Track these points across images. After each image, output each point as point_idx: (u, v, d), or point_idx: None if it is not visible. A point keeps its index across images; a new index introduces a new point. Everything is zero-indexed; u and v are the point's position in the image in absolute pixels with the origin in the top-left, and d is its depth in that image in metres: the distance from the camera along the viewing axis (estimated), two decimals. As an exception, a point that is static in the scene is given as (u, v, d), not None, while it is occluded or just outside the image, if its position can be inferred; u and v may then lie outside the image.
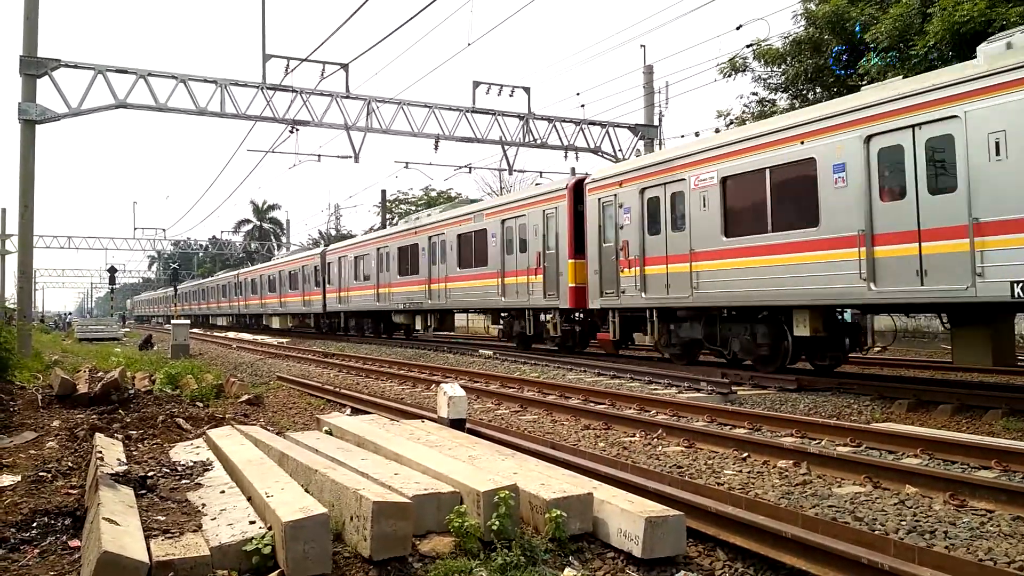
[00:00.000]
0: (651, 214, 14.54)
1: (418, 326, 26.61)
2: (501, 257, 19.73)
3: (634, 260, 14.90)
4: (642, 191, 14.72)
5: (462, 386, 8.87)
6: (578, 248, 16.90)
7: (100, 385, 10.41)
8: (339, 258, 33.25)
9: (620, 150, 26.73)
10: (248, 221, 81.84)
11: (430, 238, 24.13)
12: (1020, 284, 8.78)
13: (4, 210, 41.56)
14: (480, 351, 21.53)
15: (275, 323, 44.63)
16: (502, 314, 21.71)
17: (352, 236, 51.60)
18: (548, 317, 18.79)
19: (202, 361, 20.08)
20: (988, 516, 5.21)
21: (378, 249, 28.85)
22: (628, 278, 15.11)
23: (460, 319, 37.08)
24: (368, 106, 23.53)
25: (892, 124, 10.13)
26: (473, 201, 25.33)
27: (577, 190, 17.17)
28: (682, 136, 26.31)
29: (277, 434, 7.51)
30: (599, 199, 16.11)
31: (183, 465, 6.07)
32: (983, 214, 9.11)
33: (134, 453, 6.80)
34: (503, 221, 19.70)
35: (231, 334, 43.82)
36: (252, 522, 4.30)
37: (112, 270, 51.39)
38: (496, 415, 10.44)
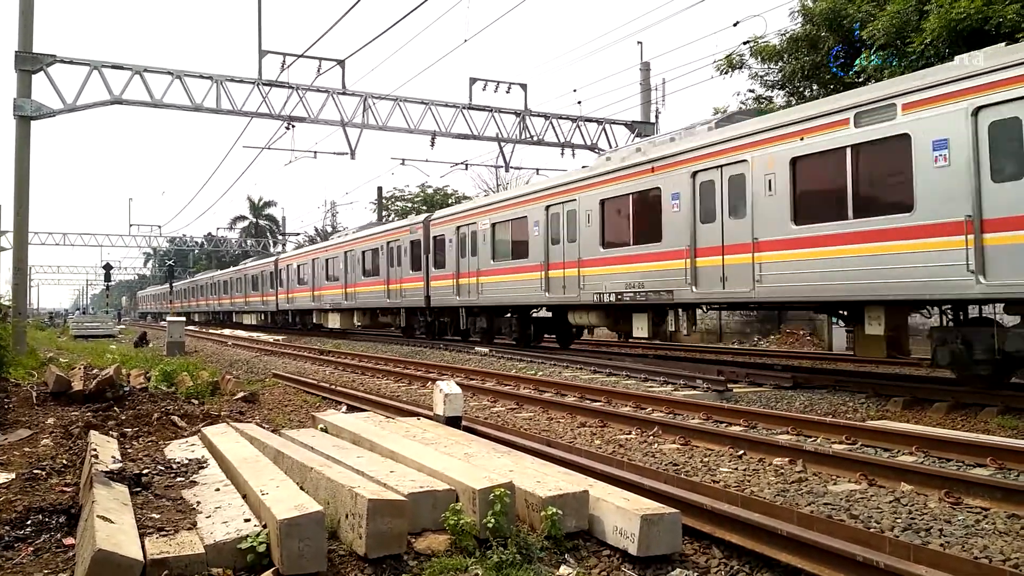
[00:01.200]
0: None
1: (639, 330, 15.86)
2: (973, 193, 9.13)
3: None
4: None
5: (458, 384, 8.87)
6: None
7: (95, 382, 10.37)
8: (456, 228, 22.30)
9: (617, 147, 26.71)
10: (244, 218, 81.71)
11: (695, 175, 13.48)
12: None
13: (-1, 206, 41.42)
14: (476, 348, 21.18)
15: (333, 322, 32.32)
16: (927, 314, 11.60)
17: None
18: None
19: (197, 358, 20.06)
20: (983, 514, 5.21)
21: (547, 208, 17.93)
22: None
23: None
24: (364, 102, 23.51)
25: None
26: (767, 110, 15.58)
27: None
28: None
29: (272, 432, 7.50)
30: None
31: (178, 463, 6.05)
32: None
33: (129, 451, 6.79)
34: (977, 110, 9.10)
35: (226, 331, 43.72)
36: (247, 520, 4.30)
37: (108, 267, 51.16)
38: (492, 412, 10.44)
